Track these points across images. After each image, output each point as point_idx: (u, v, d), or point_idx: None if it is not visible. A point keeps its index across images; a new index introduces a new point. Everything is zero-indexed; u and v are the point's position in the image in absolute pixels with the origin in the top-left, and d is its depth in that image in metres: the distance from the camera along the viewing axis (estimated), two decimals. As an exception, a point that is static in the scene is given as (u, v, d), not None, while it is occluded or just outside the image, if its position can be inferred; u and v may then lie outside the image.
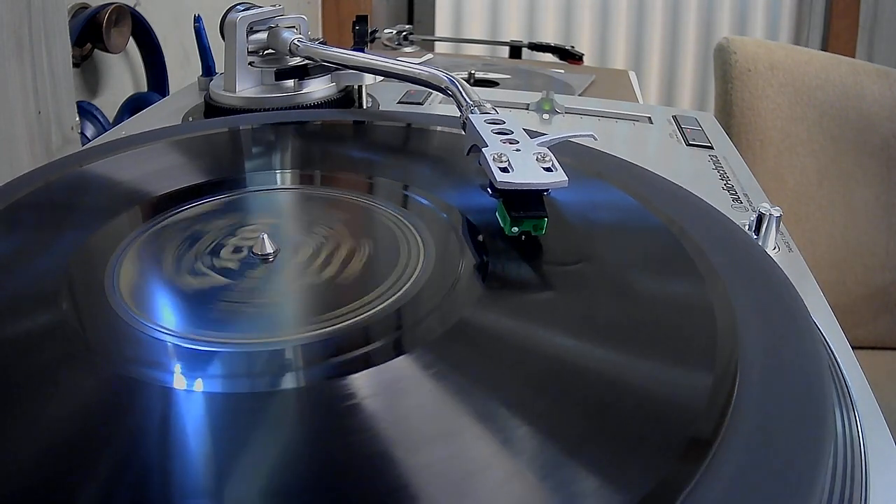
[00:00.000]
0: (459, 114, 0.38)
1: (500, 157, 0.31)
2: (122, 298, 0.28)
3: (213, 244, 0.31)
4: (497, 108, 0.37)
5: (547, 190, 0.31)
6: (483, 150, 0.32)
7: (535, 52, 1.15)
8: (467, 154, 0.35)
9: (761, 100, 0.85)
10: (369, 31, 0.96)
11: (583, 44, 1.72)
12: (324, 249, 0.31)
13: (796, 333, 0.25)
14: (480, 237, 0.31)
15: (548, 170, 0.31)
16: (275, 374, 0.24)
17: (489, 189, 0.32)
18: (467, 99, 0.38)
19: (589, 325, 0.26)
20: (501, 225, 0.31)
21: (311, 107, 0.51)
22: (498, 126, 0.34)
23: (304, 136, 0.44)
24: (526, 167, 0.31)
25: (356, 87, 0.54)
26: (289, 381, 0.24)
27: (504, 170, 0.30)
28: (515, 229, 0.30)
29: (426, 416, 0.22)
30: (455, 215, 0.33)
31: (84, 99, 0.80)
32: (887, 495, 0.23)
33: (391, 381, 0.23)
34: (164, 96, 0.87)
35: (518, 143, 0.33)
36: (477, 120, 0.35)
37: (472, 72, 0.90)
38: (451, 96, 0.40)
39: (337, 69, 0.51)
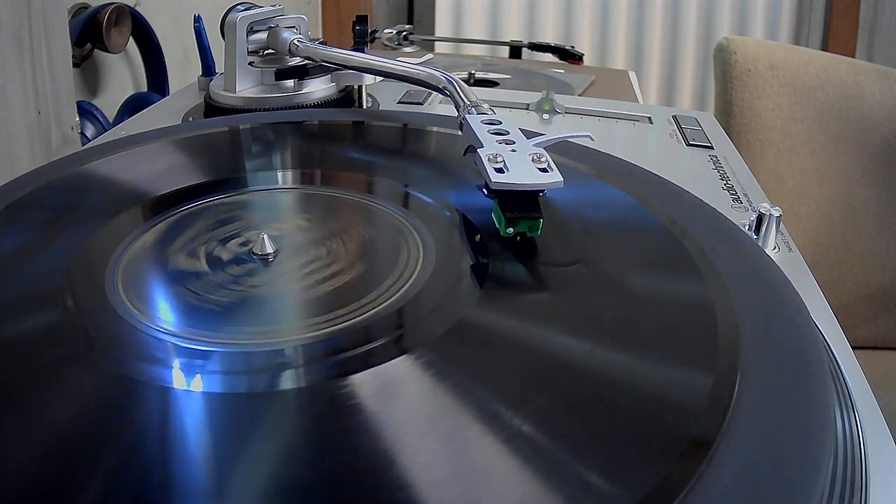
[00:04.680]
0: (457, 114, 0.38)
1: (495, 157, 0.31)
2: (123, 298, 0.28)
3: (214, 244, 0.31)
4: (495, 109, 0.37)
5: (542, 191, 0.30)
6: (478, 150, 0.32)
7: (535, 52, 1.15)
8: (464, 154, 0.35)
9: (761, 100, 0.85)
10: (369, 31, 0.96)
11: (583, 44, 1.72)
12: (324, 249, 0.31)
13: (796, 333, 0.25)
14: (481, 237, 0.31)
15: (543, 170, 0.31)
16: (275, 375, 0.24)
17: (484, 190, 0.32)
18: (465, 99, 0.38)
19: (589, 324, 0.26)
20: (497, 226, 0.31)
21: (310, 107, 0.51)
22: (494, 126, 0.34)
23: (304, 136, 0.44)
24: (521, 168, 0.31)
25: (356, 87, 0.54)
26: (289, 382, 0.24)
27: (499, 170, 0.30)
28: (510, 230, 0.30)
29: (426, 416, 0.22)
30: (455, 215, 0.33)
31: (84, 99, 0.80)
32: (887, 495, 0.23)
33: (391, 380, 0.23)
34: (164, 96, 0.87)
35: (514, 143, 0.33)
36: (473, 120, 0.35)
37: (472, 72, 0.89)
38: (448, 96, 0.40)
39: (336, 69, 0.51)
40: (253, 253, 0.30)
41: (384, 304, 0.27)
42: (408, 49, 1.10)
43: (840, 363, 0.28)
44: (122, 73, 0.90)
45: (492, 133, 0.34)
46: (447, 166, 0.39)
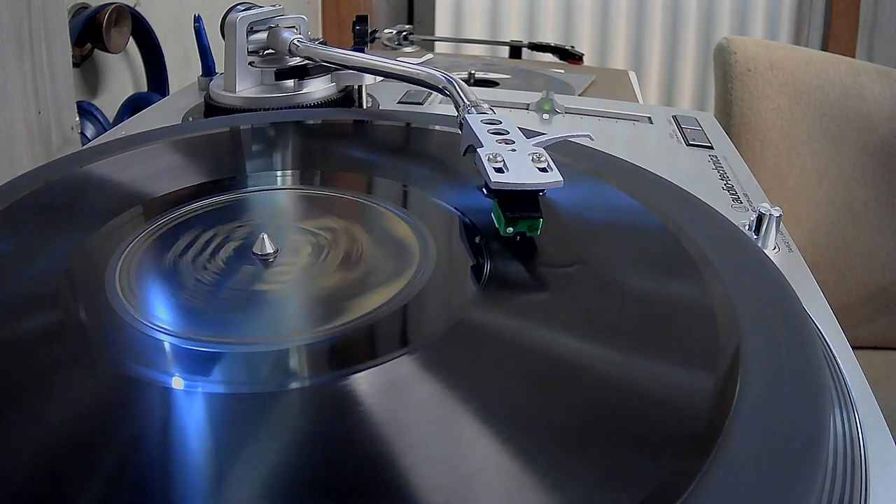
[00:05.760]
0: (457, 114, 0.38)
1: (495, 157, 0.31)
2: (123, 298, 0.28)
3: (214, 244, 0.31)
4: (495, 109, 0.37)
5: (542, 190, 0.30)
6: (478, 150, 0.32)
7: (535, 52, 1.15)
8: (463, 154, 0.35)
9: (761, 100, 0.85)
10: (369, 31, 0.96)
11: (583, 44, 1.72)
12: (324, 250, 0.31)
13: (796, 334, 0.25)
14: (481, 237, 0.31)
15: (543, 170, 0.31)
16: (275, 375, 0.24)
17: (484, 189, 0.32)
18: (464, 99, 0.38)
19: (589, 325, 0.26)
20: (496, 226, 0.31)
21: (310, 107, 0.51)
22: (494, 126, 0.34)
23: (304, 136, 0.44)
24: (521, 167, 0.31)
25: (356, 86, 0.54)
26: (289, 382, 0.24)
27: (499, 170, 0.30)
28: (510, 230, 0.30)
29: (426, 416, 0.22)
30: (456, 215, 0.33)
31: (84, 99, 0.80)
32: (887, 495, 0.23)
33: (392, 381, 0.23)
34: (164, 96, 0.87)
35: (514, 143, 0.33)
36: (473, 120, 0.35)
37: (472, 72, 0.89)
38: (448, 96, 0.40)
39: (336, 69, 0.51)
40: (253, 253, 0.30)
41: (384, 305, 0.27)
42: (408, 49, 1.10)
43: (840, 363, 0.28)
44: (122, 73, 0.90)
45: (491, 133, 0.34)
46: (448, 166, 0.39)
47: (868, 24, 1.65)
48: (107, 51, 0.80)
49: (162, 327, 0.26)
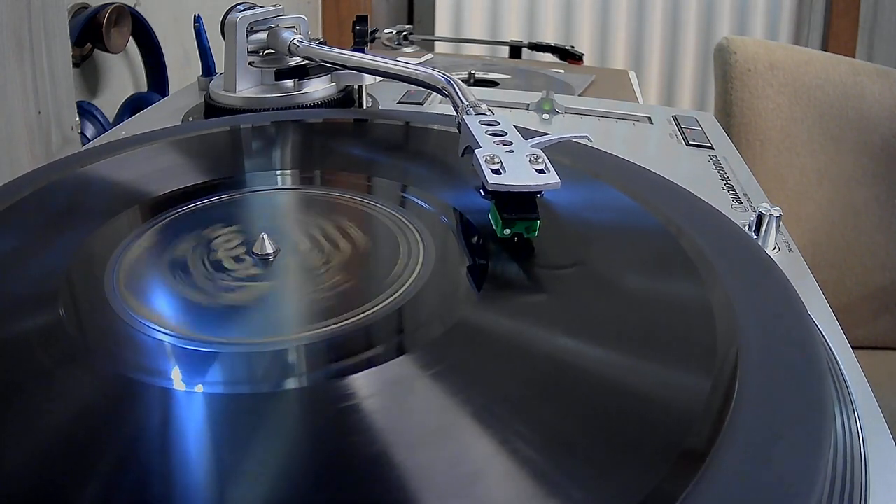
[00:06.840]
0: (455, 114, 0.38)
1: (492, 158, 0.31)
2: (122, 299, 0.28)
3: (213, 244, 0.31)
4: (495, 109, 0.37)
5: (540, 192, 0.30)
6: (475, 151, 0.32)
7: (535, 52, 1.15)
8: (462, 155, 0.35)
9: (761, 100, 0.85)
10: (369, 31, 0.96)
11: (583, 44, 1.72)
12: (324, 250, 0.31)
13: (796, 334, 0.25)
14: (480, 238, 0.31)
15: (540, 171, 0.30)
16: (275, 375, 0.24)
17: (481, 191, 0.32)
18: (463, 99, 0.38)
19: (588, 326, 0.26)
20: (494, 227, 0.31)
21: (310, 107, 0.51)
22: (492, 127, 0.34)
23: (303, 136, 0.44)
24: (518, 169, 0.30)
25: (356, 87, 0.54)
26: (289, 382, 0.24)
27: (496, 171, 0.30)
28: (507, 231, 0.30)
29: (426, 417, 0.22)
30: (455, 216, 0.33)
31: (84, 99, 0.80)
32: (887, 495, 0.23)
33: (391, 381, 0.23)
34: (164, 96, 0.87)
35: (511, 144, 0.32)
36: (471, 121, 0.35)
37: (472, 72, 0.89)
38: (447, 97, 0.40)
39: (336, 69, 0.51)
40: (253, 253, 0.30)
41: (384, 305, 0.27)
42: (408, 49, 1.10)
43: (840, 363, 0.28)
44: (122, 73, 0.90)
45: (489, 134, 0.34)
46: (448, 166, 0.39)
47: (868, 24, 1.65)
48: (107, 51, 0.80)
49: (161, 328, 0.26)
